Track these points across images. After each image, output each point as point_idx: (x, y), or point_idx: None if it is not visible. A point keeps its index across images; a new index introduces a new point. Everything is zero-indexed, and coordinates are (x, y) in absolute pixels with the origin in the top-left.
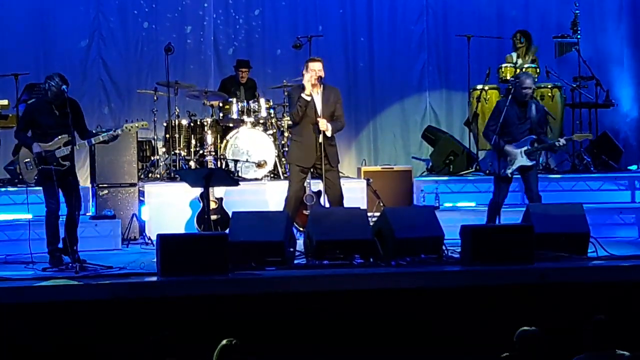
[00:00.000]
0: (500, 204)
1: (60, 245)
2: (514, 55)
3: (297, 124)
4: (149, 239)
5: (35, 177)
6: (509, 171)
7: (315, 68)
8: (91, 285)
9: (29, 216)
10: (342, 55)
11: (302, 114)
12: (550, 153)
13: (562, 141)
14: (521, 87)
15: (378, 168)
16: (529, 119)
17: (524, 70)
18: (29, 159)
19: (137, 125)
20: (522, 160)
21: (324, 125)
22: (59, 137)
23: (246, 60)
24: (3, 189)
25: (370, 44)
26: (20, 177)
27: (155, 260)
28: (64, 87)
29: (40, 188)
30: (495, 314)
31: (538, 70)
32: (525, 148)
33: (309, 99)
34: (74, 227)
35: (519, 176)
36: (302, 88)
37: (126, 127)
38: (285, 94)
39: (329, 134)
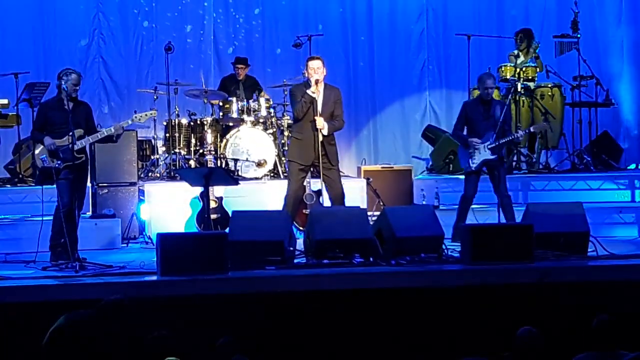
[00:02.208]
0: (470, 199)
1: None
2: (516, 52)
3: (297, 121)
4: (149, 238)
5: (43, 165)
6: (473, 165)
7: (314, 66)
8: (91, 284)
9: (29, 214)
10: (342, 54)
11: (307, 110)
12: (550, 152)
13: (520, 133)
14: (483, 87)
15: (378, 167)
16: (493, 117)
17: (524, 69)
18: (44, 155)
19: (146, 114)
20: (485, 154)
21: (321, 123)
22: (74, 131)
23: (244, 57)
24: (3, 188)
25: (370, 43)
26: (37, 172)
27: (155, 259)
28: (63, 86)
29: (41, 187)
30: (495, 313)
31: (539, 70)
32: (488, 142)
33: (314, 95)
34: (74, 226)
35: (522, 175)
36: (305, 85)
37: (135, 117)
38: (285, 93)
39: (325, 132)
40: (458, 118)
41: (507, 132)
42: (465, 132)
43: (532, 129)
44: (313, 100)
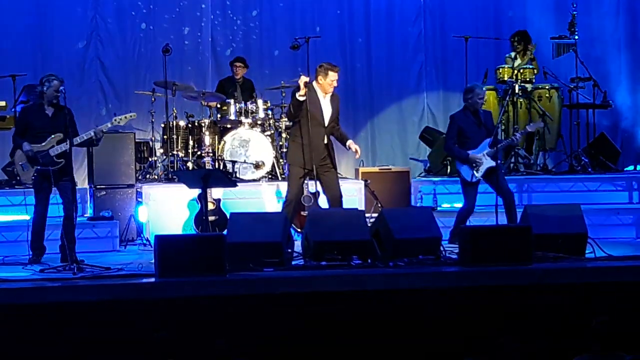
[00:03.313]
0: (471, 211)
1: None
2: (513, 54)
3: (295, 123)
4: (147, 240)
5: (33, 177)
6: (479, 175)
7: (334, 79)
8: (89, 286)
9: (27, 217)
10: (340, 56)
11: (297, 114)
12: (548, 154)
13: (518, 136)
14: (478, 97)
15: (376, 169)
16: (484, 125)
17: (521, 71)
18: (24, 161)
19: (125, 117)
20: (487, 163)
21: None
22: (52, 136)
23: (242, 56)
24: (0, 190)
25: (367, 45)
26: (18, 178)
27: (153, 261)
28: (45, 91)
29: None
30: (493, 314)
31: (535, 71)
32: (487, 151)
33: (302, 99)
34: (71, 229)
35: (520, 177)
36: (310, 89)
37: (115, 120)
38: (283, 94)
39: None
40: (450, 132)
41: (497, 138)
42: (457, 145)
43: (528, 129)
44: (301, 105)
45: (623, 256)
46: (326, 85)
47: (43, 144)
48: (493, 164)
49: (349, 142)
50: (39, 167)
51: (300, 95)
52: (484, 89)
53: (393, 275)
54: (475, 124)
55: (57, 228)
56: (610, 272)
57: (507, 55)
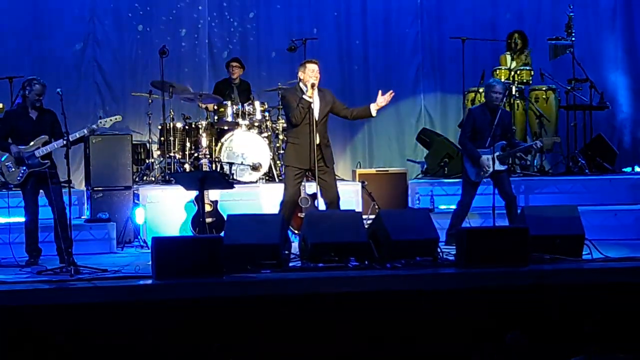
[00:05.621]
0: (469, 208)
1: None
2: (508, 56)
3: (293, 126)
4: (144, 241)
5: (18, 178)
6: (485, 176)
7: (313, 69)
8: (86, 288)
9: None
10: (337, 58)
11: (305, 116)
12: (545, 155)
13: (539, 143)
14: (492, 92)
15: (373, 170)
16: (500, 125)
17: (518, 72)
18: (9, 162)
19: (111, 119)
20: (495, 166)
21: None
22: (38, 138)
23: (237, 57)
24: None
25: (364, 47)
26: (3, 179)
27: (150, 263)
28: (27, 95)
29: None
30: (490, 316)
31: (532, 73)
32: (498, 153)
33: (311, 100)
34: (65, 229)
35: (517, 178)
36: (297, 90)
37: (100, 123)
38: (280, 97)
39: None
40: (466, 126)
41: (514, 140)
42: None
43: (544, 141)
44: (310, 105)
45: (620, 257)
46: (307, 76)
47: (28, 146)
48: (501, 167)
49: (373, 104)
50: (25, 169)
51: (309, 97)
52: (503, 84)
53: (390, 276)
54: (490, 122)
55: (53, 231)
56: (607, 274)
57: (502, 55)
